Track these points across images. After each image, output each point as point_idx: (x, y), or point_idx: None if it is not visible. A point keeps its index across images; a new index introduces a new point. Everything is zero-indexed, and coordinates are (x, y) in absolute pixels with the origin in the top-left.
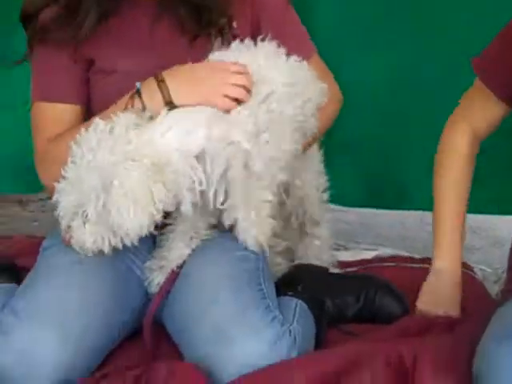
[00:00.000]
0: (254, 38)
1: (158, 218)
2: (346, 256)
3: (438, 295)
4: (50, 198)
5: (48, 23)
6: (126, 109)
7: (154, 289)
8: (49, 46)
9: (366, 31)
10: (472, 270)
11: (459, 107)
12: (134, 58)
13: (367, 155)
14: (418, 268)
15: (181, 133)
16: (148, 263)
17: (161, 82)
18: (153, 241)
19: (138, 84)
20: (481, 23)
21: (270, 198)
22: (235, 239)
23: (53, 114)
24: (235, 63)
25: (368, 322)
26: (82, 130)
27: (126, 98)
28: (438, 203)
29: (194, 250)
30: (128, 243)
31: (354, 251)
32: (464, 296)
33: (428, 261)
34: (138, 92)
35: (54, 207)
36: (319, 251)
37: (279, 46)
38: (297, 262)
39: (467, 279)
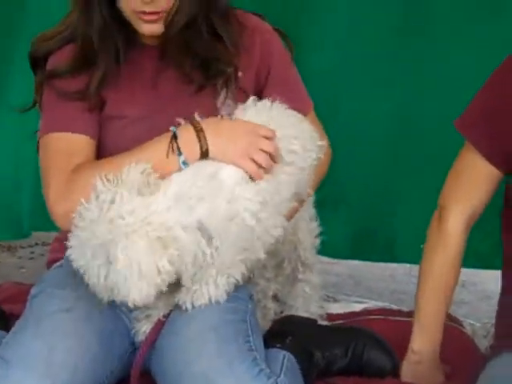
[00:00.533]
0: (257, 91)
1: (164, 287)
2: (334, 308)
3: (419, 376)
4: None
5: (59, 72)
6: (167, 153)
7: (140, 337)
8: (60, 92)
9: (363, 81)
10: (461, 324)
11: (450, 183)
12: (140, 105)
13: (357, 207)
14: (407, 321)
15: (185, 207)
16: (134, 313)
17: (200, 132)
18: None
19: (173, 128)
20: (482, 70)
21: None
22: None
23: (69, 145)
24: (264, 127)
25: (355, 374)
26: (83, 201)
27: (161, 140)
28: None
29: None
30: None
31: (342, 303)
32: (452, 351)
33: None
34: (175, 136)
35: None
36: (309, 300)
37: (284, 103)
38: (285, 313)
39: (455, 333)
